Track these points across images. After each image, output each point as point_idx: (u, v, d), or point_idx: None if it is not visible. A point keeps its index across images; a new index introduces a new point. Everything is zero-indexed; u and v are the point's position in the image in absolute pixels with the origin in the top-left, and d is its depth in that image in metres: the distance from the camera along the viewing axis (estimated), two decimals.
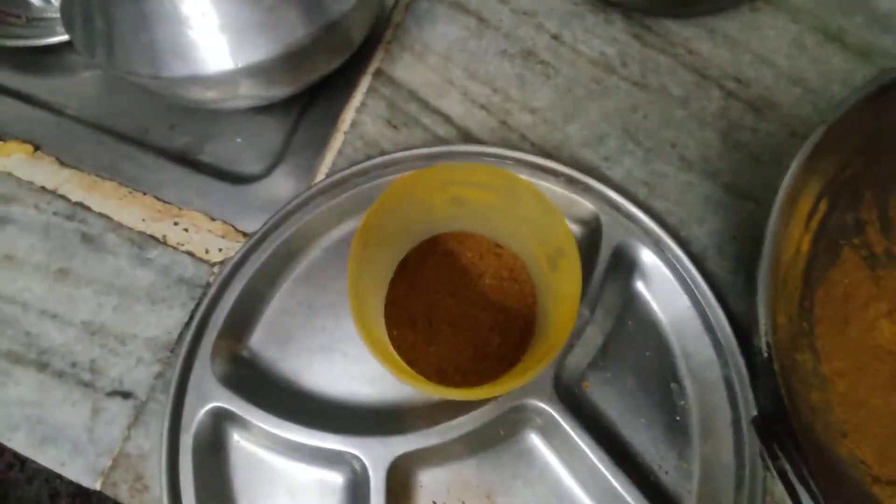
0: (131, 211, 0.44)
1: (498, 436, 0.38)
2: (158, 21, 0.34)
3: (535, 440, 0.38)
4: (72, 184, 0.45)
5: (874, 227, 0.39)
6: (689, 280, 0.40)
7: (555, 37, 0.48)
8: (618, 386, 0.39)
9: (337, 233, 0.43)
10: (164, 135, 0.47)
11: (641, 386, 0.39)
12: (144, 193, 0.44)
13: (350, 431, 0.36)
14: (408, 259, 0.39)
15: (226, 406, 0.37)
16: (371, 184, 0.42)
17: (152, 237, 0.43)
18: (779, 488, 0.36)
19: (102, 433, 0.39)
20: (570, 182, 0.42)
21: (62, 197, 0.44)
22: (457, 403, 0.37)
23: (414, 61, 0.48)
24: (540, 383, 0.36)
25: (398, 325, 0.38)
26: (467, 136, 0.45)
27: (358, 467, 0.36)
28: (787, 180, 0.33)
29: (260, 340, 0.40)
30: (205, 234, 0.43)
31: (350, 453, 0.36)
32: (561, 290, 0.33)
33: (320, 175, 0.44)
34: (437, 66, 0.47)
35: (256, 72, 0.36)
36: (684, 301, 0.40)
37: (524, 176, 0.40)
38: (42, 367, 0.40)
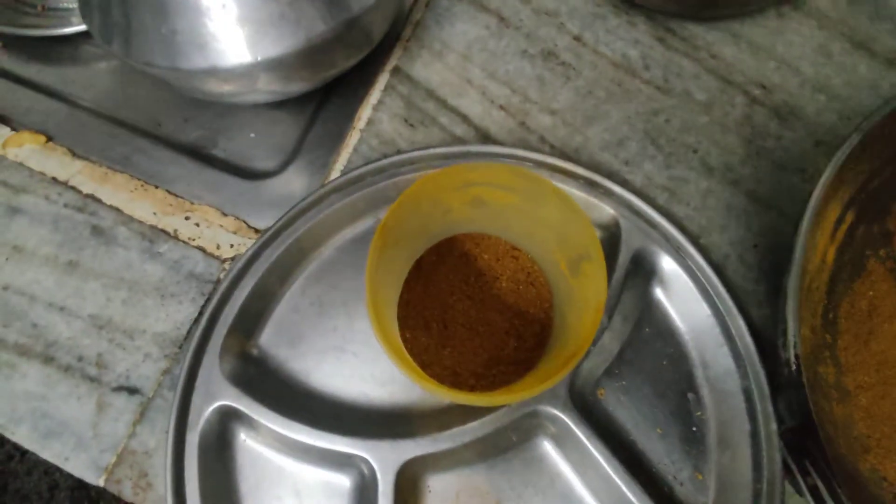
0: (143, 204, 0.43)
1: (510, 442, 0.37)
2: (178, 12, 0.34)
3: (547, 447, 0.37)
4: (83, 175, 0.44)
5: None
6: (709, 288, 0.39)
7: (576, 38, 0.47)
8: (633, 394, 0.38)
9: (350, 231, 0.42)
10: (177, 128, 0.47)
11: (658, 395, 0.38)
12: (156, 187, 0.44)
13: (359, 434, 0.35)
14: (423, 260, 0.39)
15: (233, 405, 0.36)
16: (386, 182, 0.41)
17: (163, 231, 0.43)
18: (796, 502, 0.35)
19: (107, 429, 0.38)
20: (590, 185, 0.41)
21: (73, 188, 0.44)
22: (469, 408, 0.36)
23: (433, 60, 0.47)
24: (554, 390, 0.36)
25: (412, 327, 0.37)
26: (485, 137, 0.44)
27: (366, 470, 0.35)
28: (818, 189, 0.32)
29: (269, 339, 0.40)
30: (216, 230, 0.43)
31: (358, 456, 0.35)
32: (584, 295, 0.32)
33: (335, 173, 0.44)
34: (456, 65, 0.47)
35: (275, 66, 0.36)
36: (704, 309, 0.39)
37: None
38: (48, 360, 0.39)
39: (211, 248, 0.42)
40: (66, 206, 0.43)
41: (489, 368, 0.36)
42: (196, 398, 0.36)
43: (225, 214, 0.43)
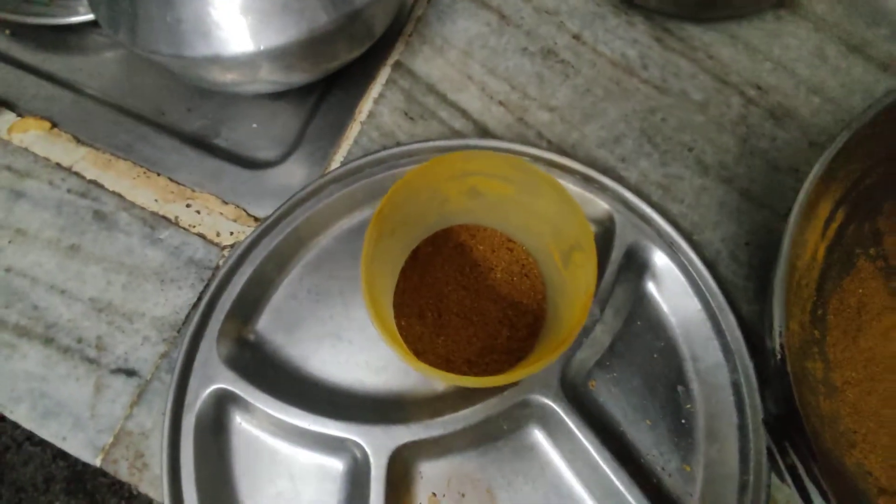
0: (145, 191, 0.44)
1: (501, 430, 0.37)
2: (183, 1, 0.34)
3: (538, 436, 0.38)
4: (87, 162, 0.45)
5: (892, 238, 0.38)
6: (700, 284, 0.39)
7: (576, 37, 0.48)
8: (624, 386, 0.39)
9: (348, 221, 0.43)
10: (180, 117, 0.47)
11: (648, 387, 0.39)
12: (158, 174, 0.45)
13: (353, 419, 0.36)
14: (419, 250, 0.39)
15: (230, 388, 0.37)
16: (385, 174, 0.42)
17: (164, 217, 0.43)
18: (782, 494, 0.36)
19: (105, 410, 0.39)
20: (586, 181, 0.42)
21: (77, 174, 0.44)
22: (461, 395, 0.37)
23: (434, 55, 0.48)
24: (546, 379, 0.36)
25: (407, 315, 0.38)
26: (484, 132, 0.45)
27: (359, 454, 0.36)
28: (807, 185, 0.32)
29: (267, 325, 0.40)
30: (217, 217, 0.43)
31: (352, 440, 0.35)
32: (575, 286, 0.33)
33: (335, 163, 0.44)
34: (457, 60, 0.47)
35: (277, 55, 0.36)
36: (695, 304, 0.39)
37: None
38: (48, 341, 0.40)
39: (211, 235, 0.43)
40: (69, 191, 0.44)
41: (482, 357, 0.37)
42: (193, 381, 0.37)
43: (225, 202, 0.44)
